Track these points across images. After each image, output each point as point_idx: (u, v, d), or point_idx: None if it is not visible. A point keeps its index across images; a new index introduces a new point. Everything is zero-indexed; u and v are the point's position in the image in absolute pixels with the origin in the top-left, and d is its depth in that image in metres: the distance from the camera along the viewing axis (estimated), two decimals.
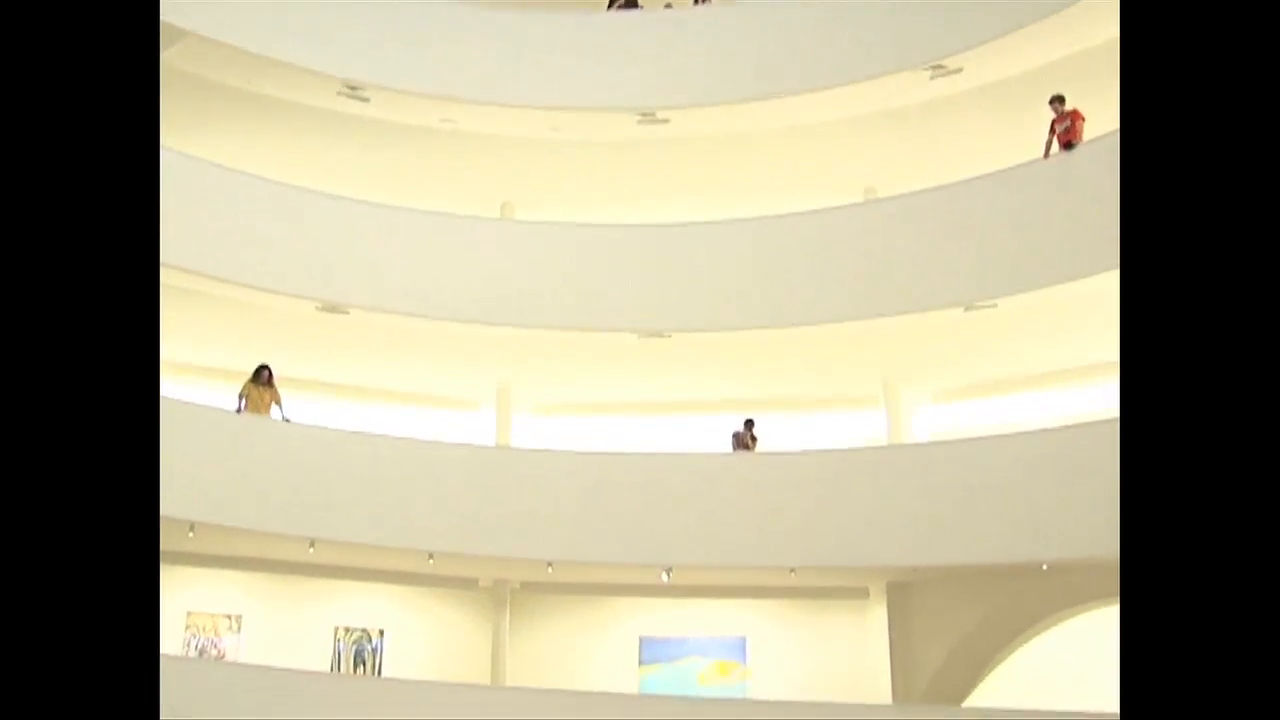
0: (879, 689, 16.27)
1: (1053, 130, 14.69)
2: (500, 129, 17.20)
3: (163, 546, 13.89)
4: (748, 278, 15.96)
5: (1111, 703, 10.68)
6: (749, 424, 16.66)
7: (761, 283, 15.87)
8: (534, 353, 16.83)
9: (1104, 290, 12.93)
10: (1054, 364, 16.20)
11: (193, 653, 16.15)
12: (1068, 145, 14.48)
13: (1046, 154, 14.72)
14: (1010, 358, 16.34)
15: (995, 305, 14.77)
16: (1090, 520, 13.00)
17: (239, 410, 15.26)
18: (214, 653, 16.29)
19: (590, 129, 17.14)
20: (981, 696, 15.93)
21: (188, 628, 16.26)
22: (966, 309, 14.93)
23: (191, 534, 14.52)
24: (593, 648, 17.70)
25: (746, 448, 16.54)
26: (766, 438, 16.79)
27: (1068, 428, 14.06)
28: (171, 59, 15.24)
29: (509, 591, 17.53)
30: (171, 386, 15.06)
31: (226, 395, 15.56)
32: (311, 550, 15.28)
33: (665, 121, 16.77)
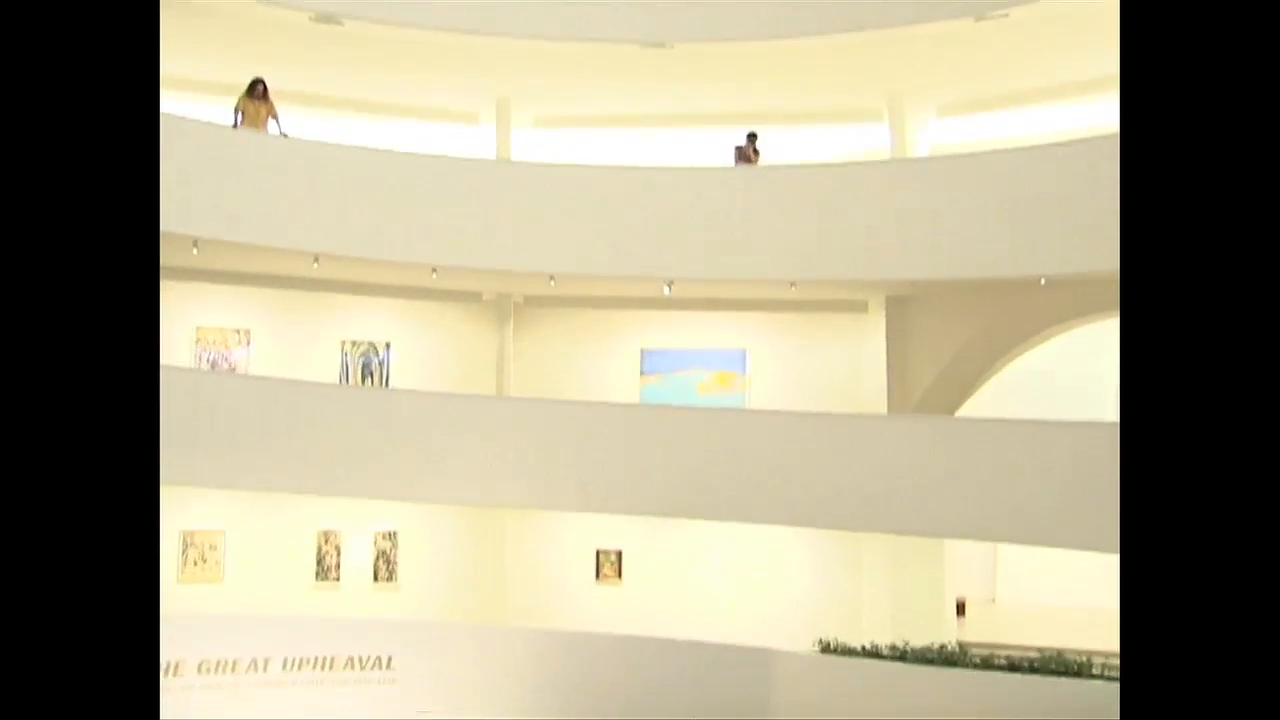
0: (875, 400, 16.69)
1: None
2: None
3: (168, 262, 14.00)
4: None
5: (1108, 412, 11.00)
6: (752, 137, 16.48)
7: None
8: (533, 64, 16.47)
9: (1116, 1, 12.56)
10: (1064, 78, 15.89)
11: (204, 366, 16.50)
12: None
13: None
14: (1019, 71, 16.01)
15: (1007, 15, 14.39)
16: (1090, 234, 13.04)
17: (235, 125, 15.09)
18: (225, 365, 16.64)
19: None
20: (975, 407, 16.37)
21: (197, 341, 16.54)
22: (977, 19, 14.57)
23: (195, 250, 14.59)
24: (595, 360, 18.05)
25: (749, 161, 16.42)
26: (769, 151, 16.65)
27: (1070, 143, 13.91)
28: None
29: (512, 305, 17.75)
30: (166, 102, 14.84)
31: (223, 111, 15.35)
32: (315, 265, 15.38)
33: None
